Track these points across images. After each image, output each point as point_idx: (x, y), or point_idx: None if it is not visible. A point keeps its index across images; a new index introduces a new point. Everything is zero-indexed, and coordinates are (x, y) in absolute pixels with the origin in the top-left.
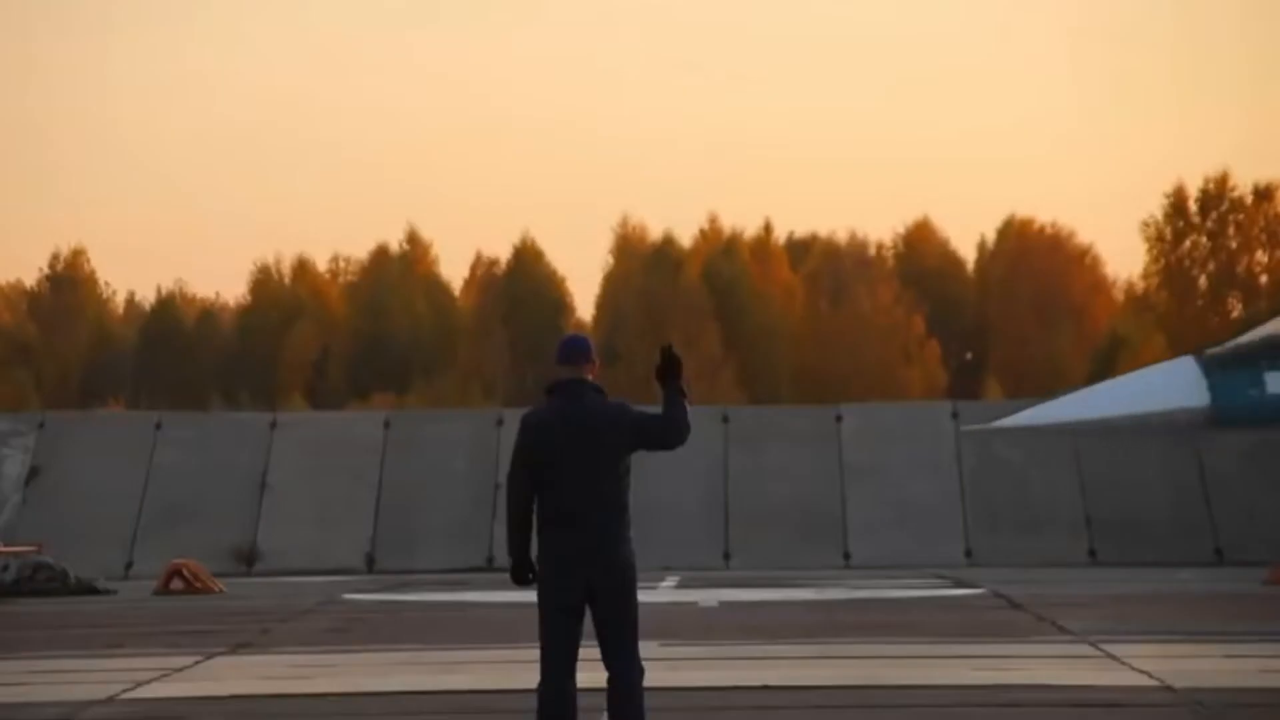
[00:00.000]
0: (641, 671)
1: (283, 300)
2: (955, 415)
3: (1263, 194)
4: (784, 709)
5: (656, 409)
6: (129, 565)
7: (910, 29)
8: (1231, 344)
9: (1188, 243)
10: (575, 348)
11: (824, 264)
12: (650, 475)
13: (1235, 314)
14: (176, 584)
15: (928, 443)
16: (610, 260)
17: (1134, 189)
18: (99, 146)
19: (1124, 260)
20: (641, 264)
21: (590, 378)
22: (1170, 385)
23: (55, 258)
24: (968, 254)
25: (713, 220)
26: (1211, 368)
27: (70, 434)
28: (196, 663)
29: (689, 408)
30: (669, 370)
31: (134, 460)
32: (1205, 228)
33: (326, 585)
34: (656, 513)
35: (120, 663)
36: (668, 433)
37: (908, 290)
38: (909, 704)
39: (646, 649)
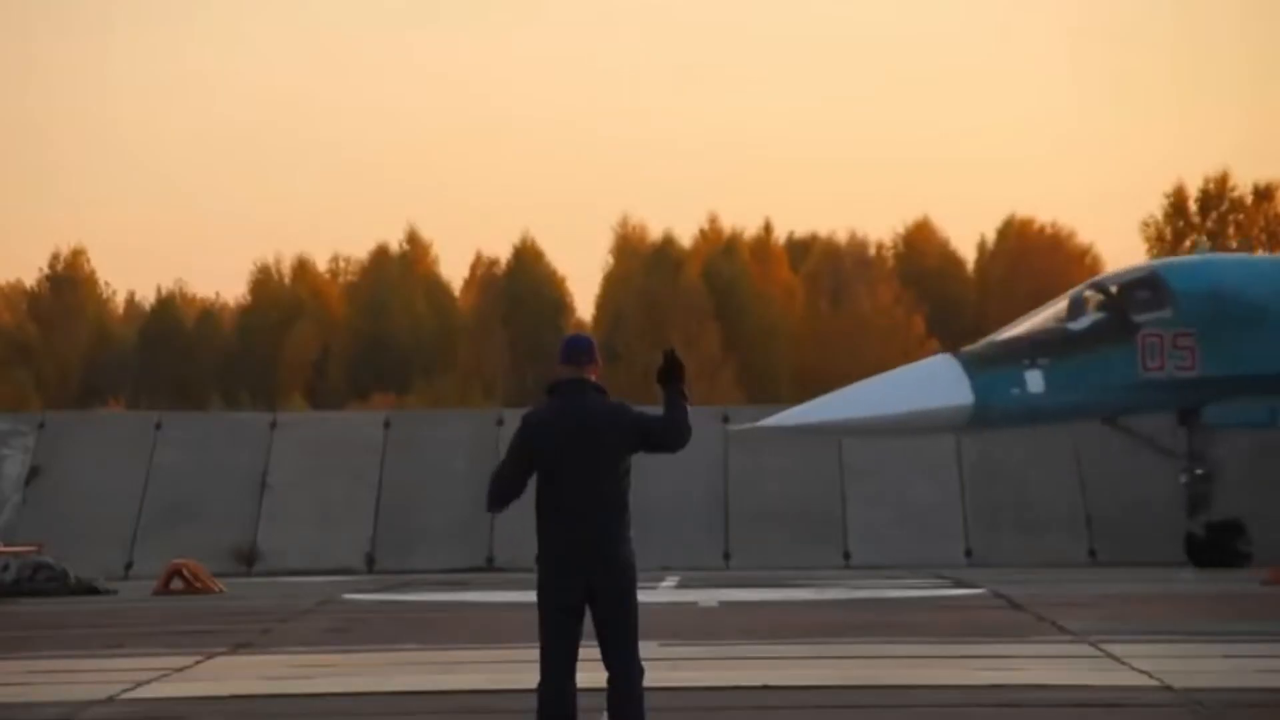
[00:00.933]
0: (641, 671)
1: (283, 300)
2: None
3: (1263, 194)
4: (784, 709)
5: (657, 410)
6: (129, 565)
7: (910, 29)
8: (986, 341)
9: (1188, 243)
10: (578, 348)
11: (824, 264)
12: (650, 475)
13: None
14: (176, 584)
15: (928, 443)
16: (610, 260)
17: (1134, 189)
18: (99, 146)
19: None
20: (641, 264)
21: (593, 378)
22: (934, 384)
23: (55, 258)
24: (968, 254)
25: (713, 220)
26: (973, 366)
27: (70, 434)
28: (196, 663)
29: (689, 411)
30: (671, 373)
31: (134, 460)
32: (1205, 228)
33: (326, 585)
34: (656, 513)
35: (120, 663)
36: (668, 435)
37: (908, 290)
38: (909, 704)
39: (646, 649)
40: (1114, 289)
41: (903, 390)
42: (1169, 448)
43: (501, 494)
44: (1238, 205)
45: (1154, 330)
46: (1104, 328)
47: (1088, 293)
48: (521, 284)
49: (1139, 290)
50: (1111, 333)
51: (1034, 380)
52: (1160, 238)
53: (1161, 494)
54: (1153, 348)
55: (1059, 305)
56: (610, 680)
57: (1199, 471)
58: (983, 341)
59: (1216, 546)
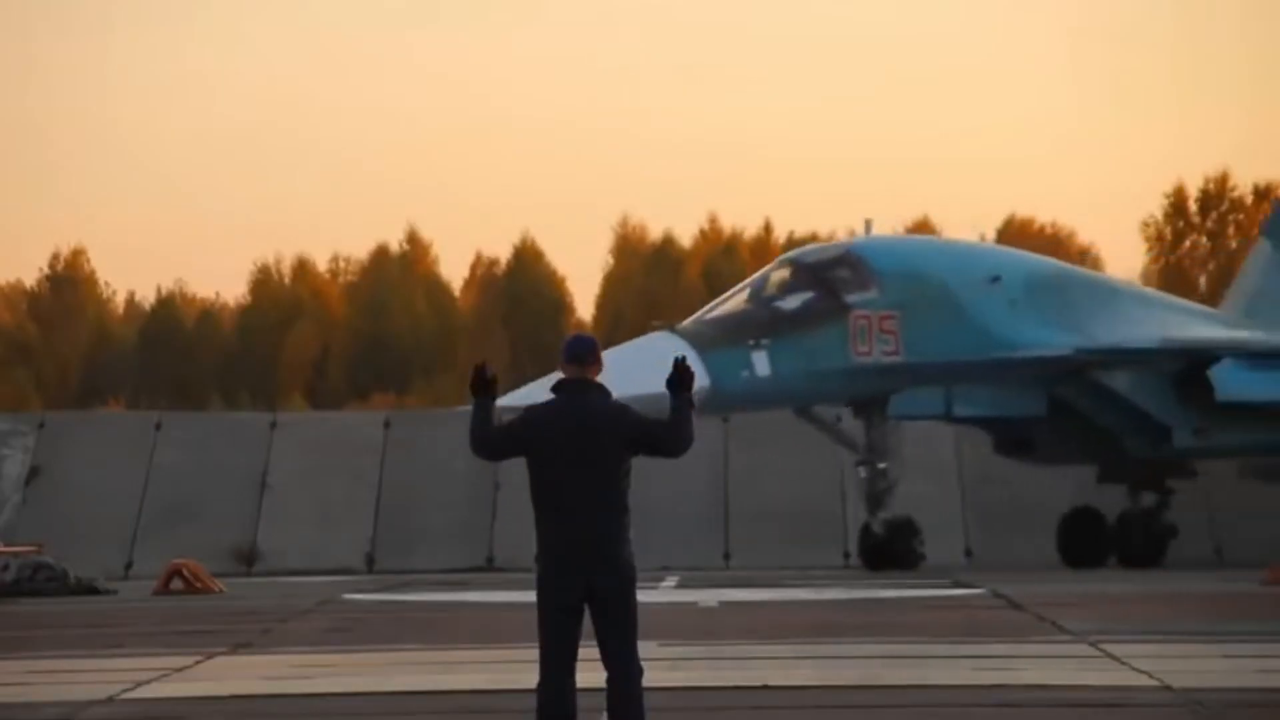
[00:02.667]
0: (641, 671)
1: (283, 300)
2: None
3: (1263, 194)
4: (784, 709)
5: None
6: (129, 565)
7: (910, 29)
8: (698, 319)
9: (1188, 243)
10: (581, 347)
11: None
12: (650, 475)
13: None
14: (176, 584)
15: (928, 443)
16: (610, 260)
17: (1134, 189)
18: (99, 146)
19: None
20: (641, 264)
21: (595, 378)
22: (667, 366)
23: (55, 258)
24: None
25: (713, 220)
26: (702, 347)
27: (70, 434)
28: (196, 663)
29: (694, 419)
30: (680, 382)
31: (134, 460)
32: (1205, 228)
33: (326, 585)
34: (656, 513)
35: (120, 663)
36: (671, 442)
37: None
38: (909, 704)
39: (646, 649)
40: (814, 265)
41: (635, 372)
42: (851, 439)
43: (485, 445)
44: (1238, 205)
45: (863, 312)
46: (815, 308)
47: (786, 271)
48: (521, 284)
49: (839, 269)
50: (823, 314)
51: (760, 363)
52: (1160, 238)
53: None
54: (862, 331)
55: (762, 281)
56: (610, 680)
57: (880, 466)
58: (694, 318)
59: (891, 545)
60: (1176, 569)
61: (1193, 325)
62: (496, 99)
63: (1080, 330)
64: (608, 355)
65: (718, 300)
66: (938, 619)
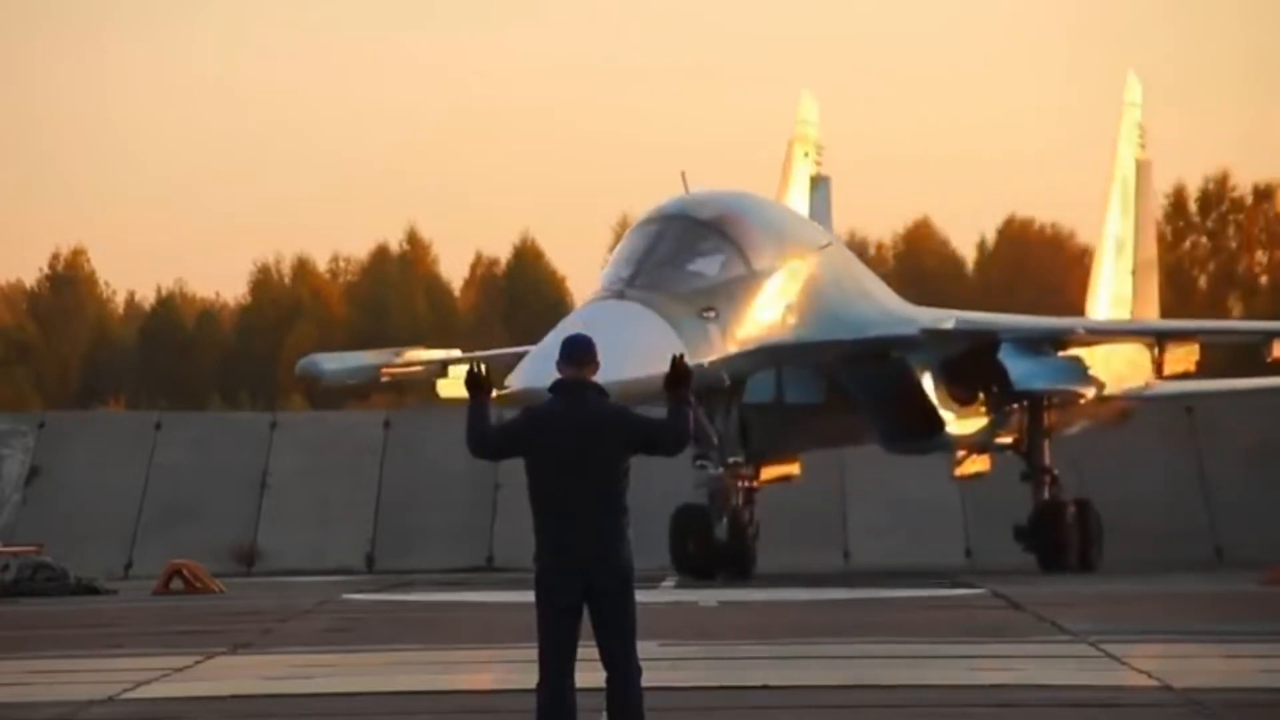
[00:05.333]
0: (640, 671)
1: (282, 300)
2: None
3: (1263, 194)
4: (784, 709)
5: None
6: (129, 565)
7: (910, 28)
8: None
9: (1188, 243)
10: (578, 349)
11: None
12: (650, 475)
13: (1235, 314)
14: (176, 584)
15: None
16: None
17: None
18: (99, 146)
19: None
20: None
21: (593, 379)
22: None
23: (55, 257)
24: (968, 254)
25: None
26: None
27: (70, 434)
28: (196, 663)
29: (691, 418)
30: (678, 380)
31: (134, 460)
32: (1205, 228)
33: (326, 585)
34: (656, 513)
35: (120, 663)
36: (670, 440)
37: (908, 290)
38: (909, 704)
39: (646, 649)
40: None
41: (643, 352)
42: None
43: (482, 445)
44: (1238, 205)
45: None
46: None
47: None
48: (521, 284)
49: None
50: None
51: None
52: (1160, 238)
53: (1161, 494)
54: None
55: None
56: (609, 680)
57: (733, 460)
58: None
59: (730, 550)
60: (1176, 569)
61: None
62: (496, 98)
63: None
64: (607, 333)
65: (672, 263)
66: (938, 619)
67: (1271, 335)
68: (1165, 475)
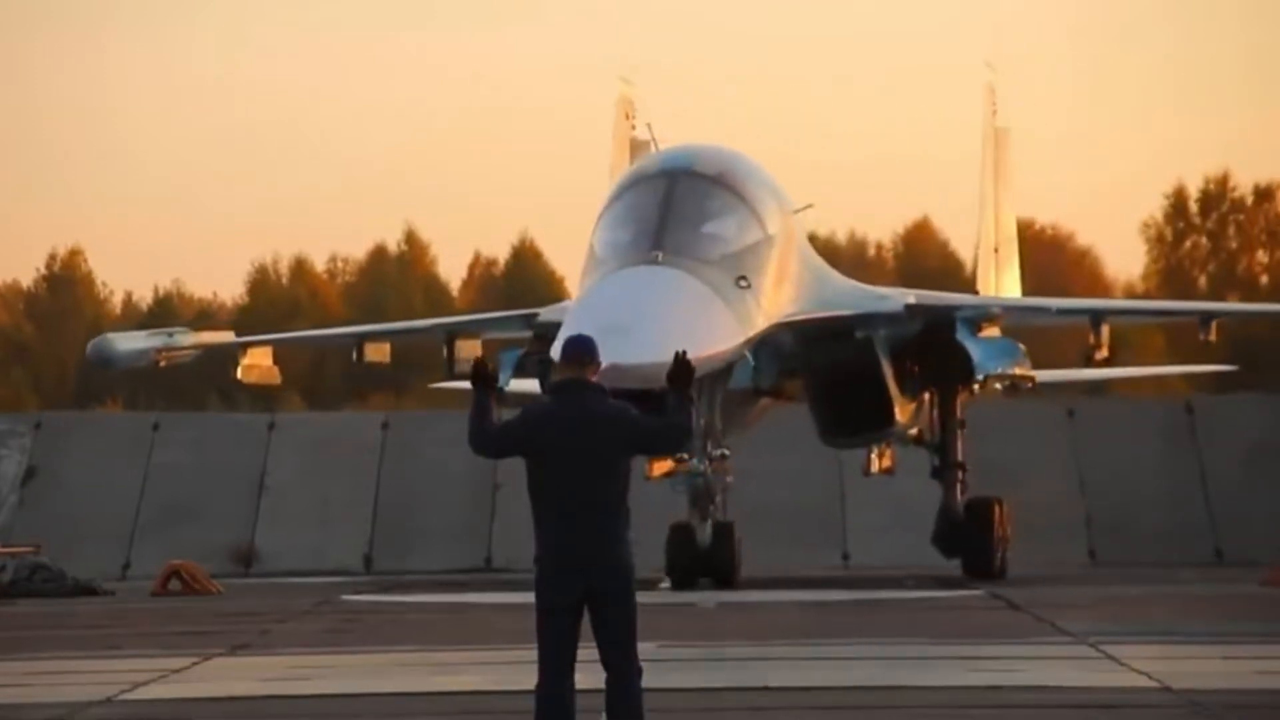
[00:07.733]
0: (640, 672)
1: (280, 300)
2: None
3: (1263, 194)
4: (784, 709)
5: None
6: (126, 566)
7: (910, 28)
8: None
9: (1188, 243)
10: (578, 348)
11: None
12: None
13: None
14: (174, 585)
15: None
16: None
17: (1134, 189)
18: (97, 146)
19: (1124, 261)
20: None
21: (593, 379)
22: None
23: (52, 257)
24: (968, 254)
25: None
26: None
27: (67, 434)
28: (194, 664)
29: (692, 415)
30: (679, 377)
31: (131, 461)
32: (1205, 228)
33: (324, 586)
34: (657, 513)
35: (118, 664)
36: (669, 437)
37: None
38: (908, 705)
39: (645, 649)
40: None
41: (704, 328)
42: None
43: (483, 442)
44: (1238, 205)
45: None
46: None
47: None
48: (521, 284)
49: None
50: None
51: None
52: (1160, 238)
53: (1161, 494)
54: None
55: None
56: (609, 681)
57: (718, 453)
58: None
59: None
60: (1176, 569)
61: None
62: (495, 98)
63: None
64: (659, 308)
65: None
66: (936, 620)
67: (1210, 316)
68: (1165, 475)
